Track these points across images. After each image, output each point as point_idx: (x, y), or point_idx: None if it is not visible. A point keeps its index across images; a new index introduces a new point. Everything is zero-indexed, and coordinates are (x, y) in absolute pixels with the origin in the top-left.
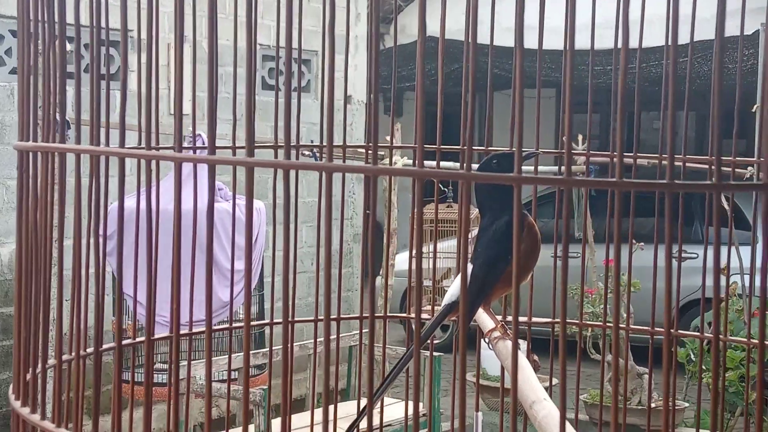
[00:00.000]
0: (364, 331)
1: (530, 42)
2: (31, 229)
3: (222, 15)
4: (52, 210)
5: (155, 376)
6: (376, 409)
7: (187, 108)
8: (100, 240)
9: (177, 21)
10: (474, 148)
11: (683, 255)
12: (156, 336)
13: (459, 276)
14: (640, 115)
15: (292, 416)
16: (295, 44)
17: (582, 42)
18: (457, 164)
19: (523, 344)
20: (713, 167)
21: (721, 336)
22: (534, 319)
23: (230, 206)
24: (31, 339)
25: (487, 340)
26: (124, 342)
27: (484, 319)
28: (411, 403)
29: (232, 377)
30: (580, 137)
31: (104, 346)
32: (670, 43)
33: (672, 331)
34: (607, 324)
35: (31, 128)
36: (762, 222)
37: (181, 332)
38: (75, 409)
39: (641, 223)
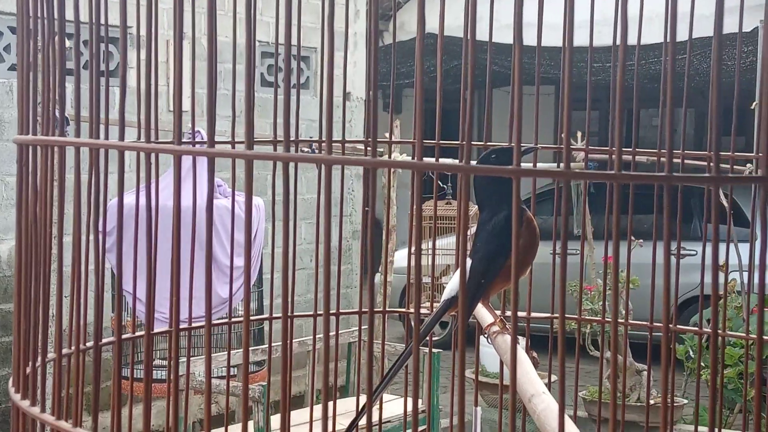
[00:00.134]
0: (363, 327)
1: (529, 39)
2: (31, 223)
3: (221, 12)
4: (51, 204)
5: (155, 372)
6: (375, 405)
7: (186, 105)
8: (100, 236)
9: (176, 18)
10: (473, 143)
11: (683, 252)
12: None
13: (458, 271)
14: (639, 111)
15: (292, 413)
16: (294, 41)
17: (581, 39)
18: (457, 161)
19: (522, 341)
20: (712, 164)
21: (719, 331)
22: (533, 314)
23: (229, 203)
24: (30, 332)
25: (486, 334)
26: (124, 336)
27: (483, 313)
28: (410, 400)
29: (232, 374)
30: (579, 134)
31: (104, 341)
32: (668, 40)
33: (671, 326)
34: (606, 319)
35: (30, 123)
36: (760, 216)
37: (180, 327)
38: (75, 404)
39: (640, 220)
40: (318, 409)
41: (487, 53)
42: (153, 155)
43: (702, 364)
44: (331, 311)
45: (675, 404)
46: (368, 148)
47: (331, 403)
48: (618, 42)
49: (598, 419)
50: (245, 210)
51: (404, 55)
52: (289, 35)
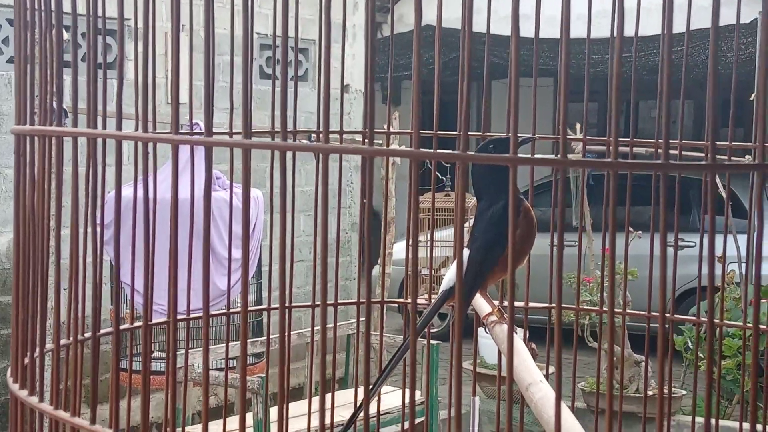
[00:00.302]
0: (362, 319)
1: (528, 31)
2: (29, 214)
3: (219, 4)
4: (49, 195)
5: (153, 364)
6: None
7: (184, 97)
8: (98, 229)
9: (173, 10)
10: (471, 133)
11: (682, 243)
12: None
13: (456, 262)
14: (637, 102)
15: (291, 404)
16: (292, 33)
17: (580, 31)
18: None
19: (521, 331)
20: (709, 154)
21: (717, 321)
22: (530, 304)
23: (228, 195)
24: (29, 323)
25: (484, 323)
26: (122, 327)
27: (480, 303)
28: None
29: (231, 365)
30: (578, 126)
31: (102, 331)
32: (665, 30)
33: (668, 315)
34: (604, 310)
35: (28, 113)
36: (756, 203)
37: (179, 317)
38: (73, 395)
39: (639, 212)
40: (317, 401)
41: (485, 44)
42: (150, 145)
43: (700, 354)
44: (329, 302)
45: (673, 395)
46: (365, 140)
47: (328, 395)
48: (615, 32)
49: (596, 410)
50: (242, 199)
51: (403, 47)
52: (286, 27)
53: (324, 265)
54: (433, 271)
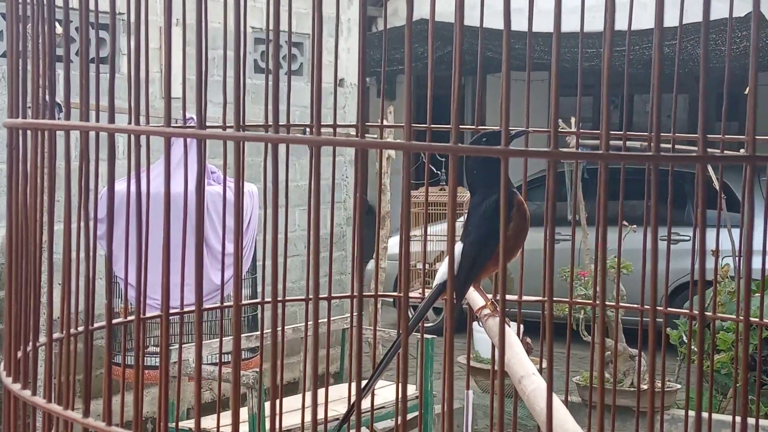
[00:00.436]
0: (355, 314)
1: (522, 25)
2: (21, 207)
3: None
4: (42, 189)
5: (147, 359)
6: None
7: (177, 91)
8: (91, 223)
9: (166, 4)
10: (465, 126)
11: (677, 237)
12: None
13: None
14: (630, 96)
15: (285, 399)
16: (285, 27)
17: (573, 24)
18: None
19: (515, 326)
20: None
21: (710, 313)
22: (523, 298)
23: (222, 189)
24: (22, 316)
25: (477, 317)
26: (115, 321)
27: (474, 297)
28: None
29: (225, 360)
30: (573, 120)
31: (95, 325)
32: (656, 22)
33: (660, 308)
34: (598, 303)
35: (21, 107)
36: (747, 194)
37: (172, 311)
38: (66, 389)
39: (633, 206)
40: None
41: (479, 37)
42: (144, 138)
43: (694, 348)
44: (322, 296)
45: (667, 389)
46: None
47: (321, 391)
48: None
49: (589, 403)
50: (234, 191)
51: (398, 41)
52: (278, 21)
53: (316, 258)
54: (427, 266)
